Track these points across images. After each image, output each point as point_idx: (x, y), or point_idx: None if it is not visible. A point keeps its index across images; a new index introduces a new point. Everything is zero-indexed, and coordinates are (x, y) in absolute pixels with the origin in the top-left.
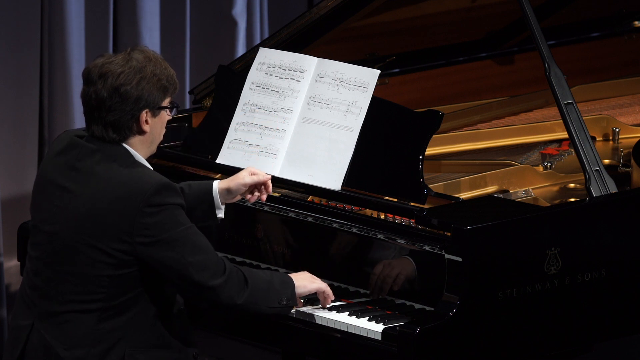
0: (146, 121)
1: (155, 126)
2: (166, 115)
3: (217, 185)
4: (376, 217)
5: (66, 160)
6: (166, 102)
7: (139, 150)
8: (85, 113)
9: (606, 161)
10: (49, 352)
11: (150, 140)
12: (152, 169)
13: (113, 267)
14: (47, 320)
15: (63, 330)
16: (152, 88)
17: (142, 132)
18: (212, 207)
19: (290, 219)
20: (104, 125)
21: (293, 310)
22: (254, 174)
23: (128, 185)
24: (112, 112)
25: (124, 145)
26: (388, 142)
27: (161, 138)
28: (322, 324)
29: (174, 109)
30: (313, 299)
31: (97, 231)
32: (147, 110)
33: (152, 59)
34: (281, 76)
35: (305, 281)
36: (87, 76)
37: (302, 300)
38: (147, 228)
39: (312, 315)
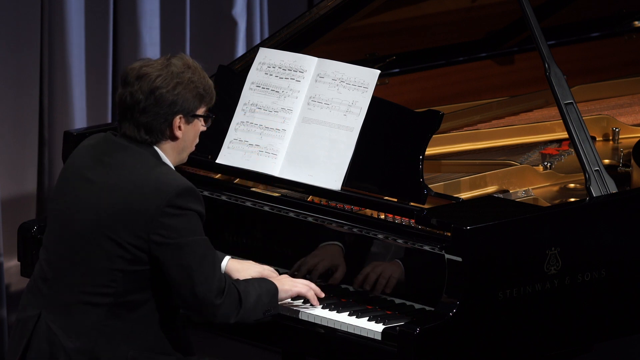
0: (179, 127)
1: (188, 134)
2: (200, 125)
3: (226, 262)
4: (376, 217)
5: (95, 154)
6: (201, 111)
7: (169, 156)
8: (119, 113)
9: (606, 161)
10: (54, 341)
11: (182, 147)
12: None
13: (127, 262)
14: (55, 311)
15: (70, 322)
16: (188, 94)
17: (174, 137)
18: None
19: (290, 219)
20: (137, 126)
21: (294, 310)
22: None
23: (153, 183)
24: (146, 114)
25: (155, 147)
26: (388, 142)
27: (193, 147)
28: (322, 324)
29: (209, 120)
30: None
31: (116, 225)
32: (181, 115)
33: (190, 67)
34: (281, 76)
35: (285, 285)
36: (124, 78)
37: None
38: (163, 228)
39: (312, 315)
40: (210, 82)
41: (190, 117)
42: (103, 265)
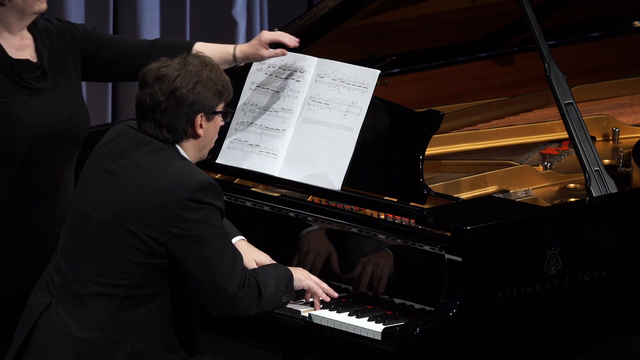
0: (200, 125)
1: (209, 131)
2: (220, 121)
3: (236, 241)
4: (376, 217)
5: (118, 146)
6: (220, 107)
7: (189, 154)
8: (138, 113)
9: (606, 161)
10: (61, 329)
11: (203, 144)
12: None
13: (143, 254)
14: (66, 300)
15: (80, 312)
16: (207, 92)
17: (196, 135)
18: None
19: (290, 218)
20: (158, 126)
21: (294, 310)
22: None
23: (174, 177)
24: (167, 115)
25: (176, 145)
26: (388, 142)
27: (212, 144)
28: (322, 323)
29: (228, 115)
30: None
31: (136, 217)
32: (202, 114)
33: (207, 64)
34: (281, 76)
35: (299, 274)
36: (142, 79)
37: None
38: (183, 221)
39: (312, 316)
40: (227, 77)
41: (210, 114)
42: (119, 256)
